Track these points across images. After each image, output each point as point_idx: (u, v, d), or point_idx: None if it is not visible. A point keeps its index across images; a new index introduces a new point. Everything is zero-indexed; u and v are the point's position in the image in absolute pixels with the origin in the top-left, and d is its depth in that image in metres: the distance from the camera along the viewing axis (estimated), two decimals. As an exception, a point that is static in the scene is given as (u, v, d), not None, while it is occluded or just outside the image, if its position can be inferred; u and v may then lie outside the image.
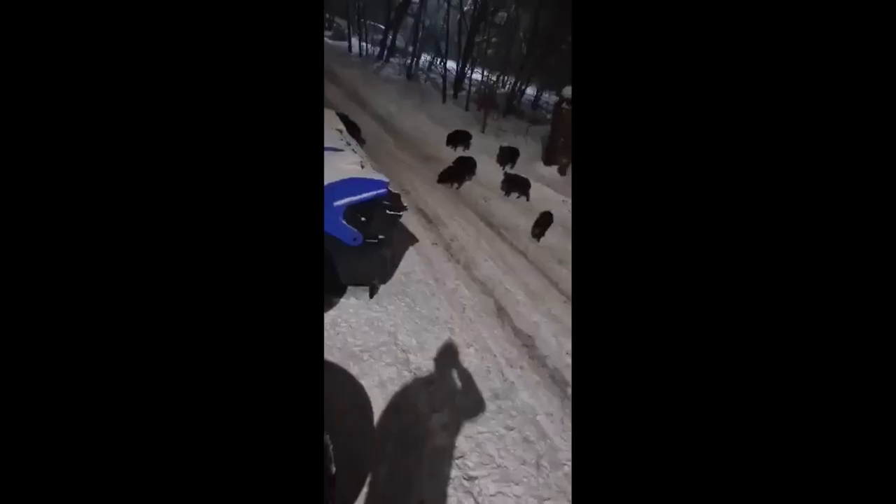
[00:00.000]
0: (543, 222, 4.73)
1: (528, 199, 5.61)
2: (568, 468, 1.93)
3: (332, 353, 2.14)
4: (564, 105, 7.49)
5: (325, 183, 2.23)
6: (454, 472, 1.77)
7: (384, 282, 2.81)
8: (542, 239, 4.67)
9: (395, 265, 3.12)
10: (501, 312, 3.08)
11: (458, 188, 5.53)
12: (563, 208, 5.37)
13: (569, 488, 1.86)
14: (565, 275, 3.96)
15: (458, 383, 2.28)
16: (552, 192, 5.90)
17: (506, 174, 5.92)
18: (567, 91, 7.43)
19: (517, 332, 2.90)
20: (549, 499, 1.80)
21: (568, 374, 2.58)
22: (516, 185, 5.69)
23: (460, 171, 5.60)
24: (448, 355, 2.44)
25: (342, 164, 2.36)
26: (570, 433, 2.15)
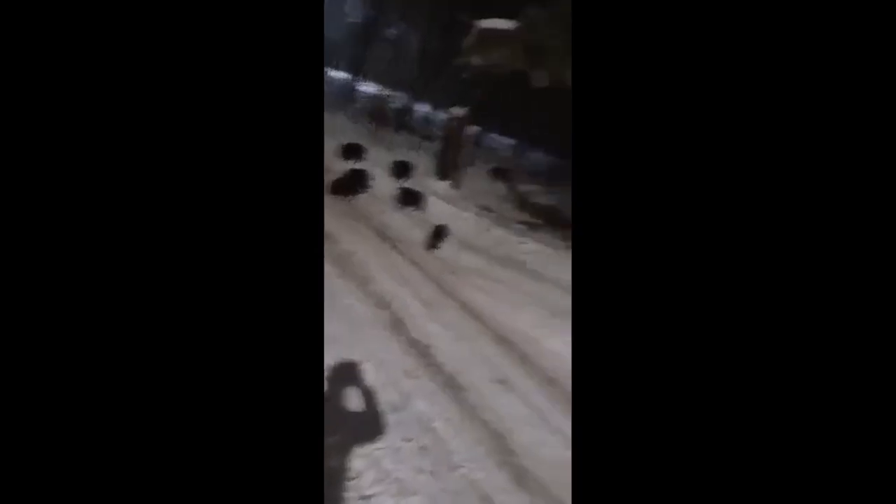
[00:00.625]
0: (438, 235, 4.95)
1: (423, 212, 5.82)
2: (465, 469, 2.03)
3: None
4: (454, 122, 8.04)
5: None
6: (349, 494, 1.76)
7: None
8: (436, 251, 4.89)
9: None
10: (397, 325, 3.12)
11: (350, 200, 5.52)
12: (456, 221, 5.66)
13: (466, 489, 1.96)
14: (459, 284, 4.14)
15: (354, 401, 2.26)
16: (446, 205, 6.21)
17: (400, 188, 5.99)
18: (456, 110, 7.98)
19: (413, 342, 2.96)
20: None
21: (462, 378, 2.71)
22: (411, 199, 5.85)
23: (353, 183, 5.65)
24: (342, 374, 2.42)
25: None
26: (467, 434, 2.25)
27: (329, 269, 3.58)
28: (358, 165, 6.61)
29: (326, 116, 9.80)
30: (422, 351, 2.89)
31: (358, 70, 12.20)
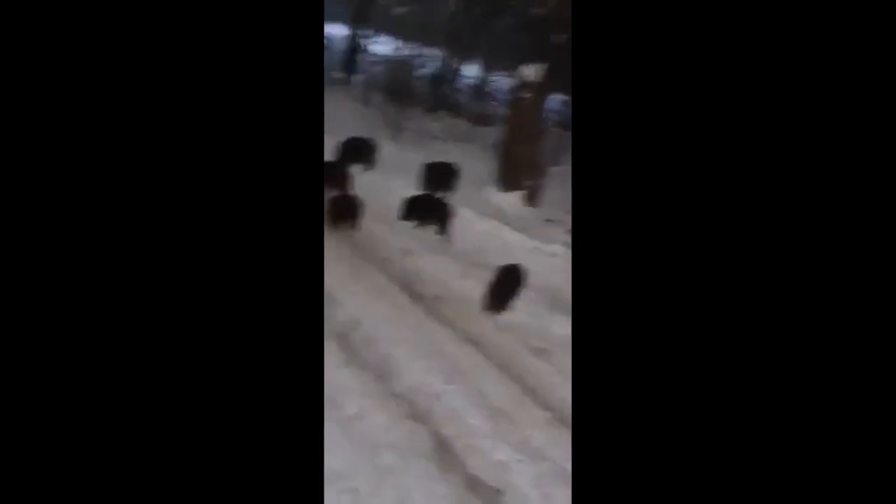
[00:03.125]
0: (505, 286, 4.36)
1: (443, 233, 5.28)
2: None
3: None
4: (526, 93, 6.74)
5: None
6: None
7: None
8: (504, 313, 4.29)
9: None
10: (444, 453, 2.71)
11: (354, 228, 5.08)
12: (536, 260, 5.10)
13: None
14: (547, 372, 3.58)
15: None
16: (516, 233, 5.62)
17: (412, 197, 5.51)
18: (528, 71, 6.82)
19: (475, 484, 2.54)
20: None
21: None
22: (427, 211, 5.34)
23: (355, 203, 5.20)
24: None
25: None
26: None
27: (330, 354, 2.97)
28: (367, 172, 6.21)
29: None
30: (489, 500, 2.48)
31: (361, 18, 10.47)
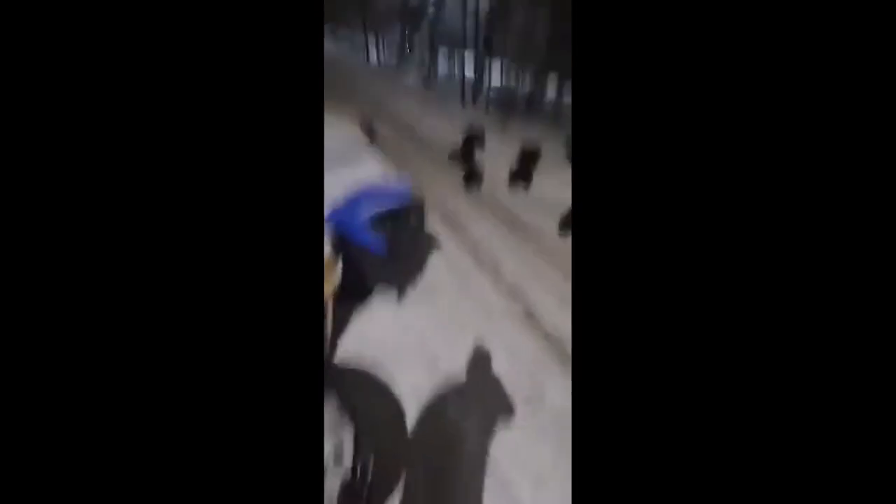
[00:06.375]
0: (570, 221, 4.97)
1: (526, 190, 6.25)
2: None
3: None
4: None
5: (350, 195, 2.79)
6: (489, 479, 1.94)
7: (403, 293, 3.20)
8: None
9: (419, 270, 3.23)
10: (529, 317, 3.26)
11: (468, 177, 6.12)
12: None
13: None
14: None
15: (489, 388, 2.49)
16: None
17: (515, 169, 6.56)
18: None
19: (547, 335, 3.04)
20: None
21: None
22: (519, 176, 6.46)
23: (470, 149, 6.55)
24: (477, 361, 2.68)
25: (363, 173, 2.61)
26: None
27: (463, 258, 3.93)
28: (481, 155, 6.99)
29: (458, 111, 10.33)
30: (555, 344, 2.95)
31: (482, 63, 12.27)
